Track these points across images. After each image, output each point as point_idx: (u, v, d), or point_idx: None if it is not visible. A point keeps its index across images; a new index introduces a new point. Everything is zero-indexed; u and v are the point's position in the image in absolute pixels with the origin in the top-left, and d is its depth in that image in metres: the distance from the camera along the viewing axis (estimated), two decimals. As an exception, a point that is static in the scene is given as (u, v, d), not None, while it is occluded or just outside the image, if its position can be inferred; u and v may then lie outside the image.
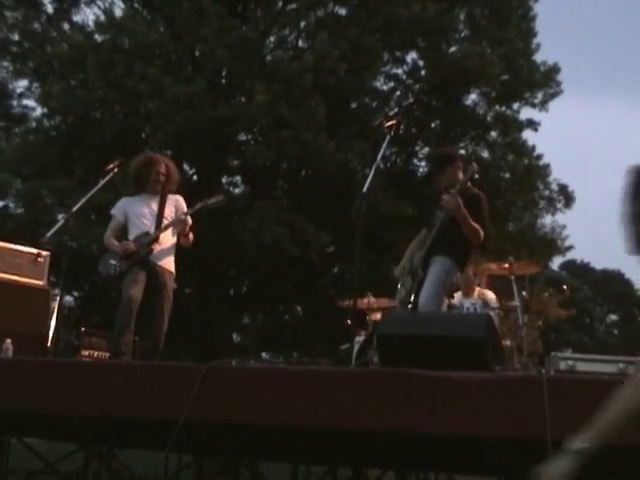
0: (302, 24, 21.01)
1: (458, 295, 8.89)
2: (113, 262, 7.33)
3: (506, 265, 8.66)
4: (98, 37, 20.34)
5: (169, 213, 7.55)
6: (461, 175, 7.07)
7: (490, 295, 9.06)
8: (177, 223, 7.45)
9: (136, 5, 21.12)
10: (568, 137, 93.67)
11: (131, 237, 7.42)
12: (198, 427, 5.49)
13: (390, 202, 17.58)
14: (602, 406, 3.62)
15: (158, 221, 7.45)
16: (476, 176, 6.89)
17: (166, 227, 7.41)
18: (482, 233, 6.81)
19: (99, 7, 21.44)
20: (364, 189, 6.39)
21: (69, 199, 15.19)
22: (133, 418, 5.61)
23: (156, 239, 7.35)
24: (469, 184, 7.02)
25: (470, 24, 21.53)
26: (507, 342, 8.10)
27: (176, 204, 7.62)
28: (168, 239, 7.50)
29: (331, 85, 18.49)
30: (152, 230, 7.41)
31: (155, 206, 7.52)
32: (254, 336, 24.45)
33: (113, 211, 7.66)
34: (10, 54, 20.89)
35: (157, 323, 7.25)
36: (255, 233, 17.20)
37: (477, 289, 9.16)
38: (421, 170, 22.37)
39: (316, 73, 17.95)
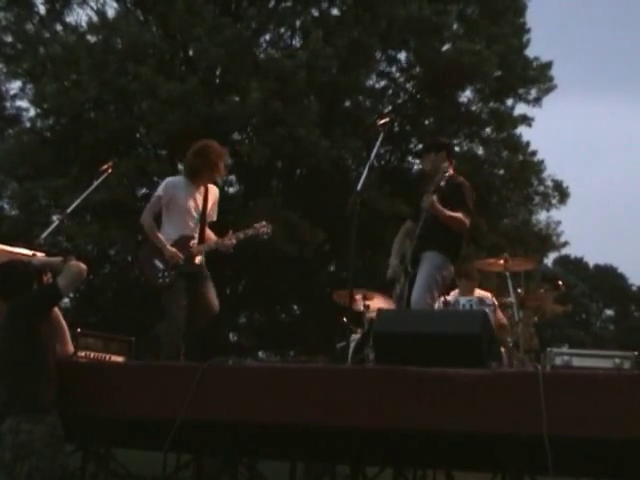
0: (296, 23, 21.02)
1: (454, 292, 8.89)
2: (160, 266, 7.10)
3: (501, 261, 8.65)
4: (91, 37, 20.30)
5: (211, 208, 7.42)
6: (446, 166, 7.08)
7: (487, 294, 9.05)
8: (222, 247, 7.29)
9: (129, 5, 21.10)
10: (563, 133, 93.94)
11: (171, 229, 7.22)
12: (196, 426, 5.50)
13: (385, 200, 17.59)
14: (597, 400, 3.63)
15: (202, 220, 7.30)
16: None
17: (209, 247, 7.27)
18: (466, 220, 6.78)
19: (91, 8, 21.43)
20: (358, 187, 6.41)
21: (64, 199, 15.17)
22: (130, 418, 5.62)
23: (198, 252, 7.21)
24: (453, 172, 7.05)
25: (463, 21, 21.54)
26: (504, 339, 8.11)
27: (214, 200, 7.48)
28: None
29: (325, 83, 18.49)
30: (196, 231, 7.26)
31: (200, 201, 7.34)
32: (251, 335, 24.45)
33: (159, 192, 7.35)
34: (3, 55, 20.84)
35: (209, 312, 7.20)
36: (250, 232, 17.19)
37: (476, 290, 9.15)
38: (415, 167, 22.35)
39: (310, 71, 17.95)
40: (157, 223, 7.35)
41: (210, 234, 7.44)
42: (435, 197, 6.73)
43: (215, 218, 7.54)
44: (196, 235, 7.28)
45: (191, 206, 7.30)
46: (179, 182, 7.43)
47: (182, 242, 7.18)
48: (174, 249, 7.09)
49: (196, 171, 7.34)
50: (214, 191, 7.51)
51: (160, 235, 7.20)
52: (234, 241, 7.24)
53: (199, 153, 7.34)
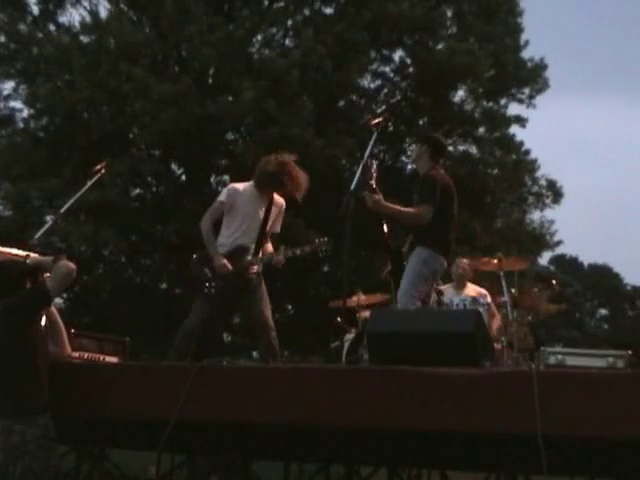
0: (289, 22, 21.05)
1: (448, 291, 8.89)
2: (209, 275, 6.99)
3: (495, 261, 8.66)
4: (84, 38, 20.32)
5: (274, 220, 7.22)
6: (429, 162, 6.99)
7: (482, 290, 9.06)
8: (273, 263, 7.03)
9: (121, 5, 21.08)
10: (557, 133, 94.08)
11: (228, 236, 7.07)
12: (190, 426, 5.49)
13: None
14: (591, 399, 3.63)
15: (261, 231, 7.11)
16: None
17: (262, 261, 7.03)
18: (424, 214, 6.63)
19: (85, 8, 21.43)
20: (351, 187, 6.39)
21: (58, 200, 15.17)
22: (125, 418, 5.61)
23: (251, 265, 7.00)
24: (433, 167, 6.96)
25: (457, 21, 21.57)
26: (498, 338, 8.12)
27: (279, 212, 7.26)
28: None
29: (318, 82, 18.50)
30: (252, 243, 7.05)
31: (262, 211, 7.12)
32: (245, 335, 24.43)
33: (221, 198, 7.15)
34: (-4, 56, 20.83)
35: (265, 331, 7.02)
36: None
37: (469, 284, 9.15)
38: (409, 167, 22.38)
39: (303, 70, 17.97)
40: (217, 228, 7.18)
41: (268, 246, 7.23)
42: (379, 197, 6.67)
43: (278, 230, 7.33)
44: (253, 246, 7.08)
45: (252, 215, 7.10)
46: (243, 189, 7.21)
47: (237, 252, 7.02)
48: (223, 260, 6.92)
49: (263, 184, 7.12)
50: (280, 202, 7.27)
51: (214, 243, 7.06)
52: (282, 257, 6.99)
53: (269, 167, 7.12)
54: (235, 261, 6.97)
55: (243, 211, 7.09)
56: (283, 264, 7.05)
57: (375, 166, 6.82)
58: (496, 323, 8.64)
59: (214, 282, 6.99)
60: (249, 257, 7.02)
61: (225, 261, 6.93)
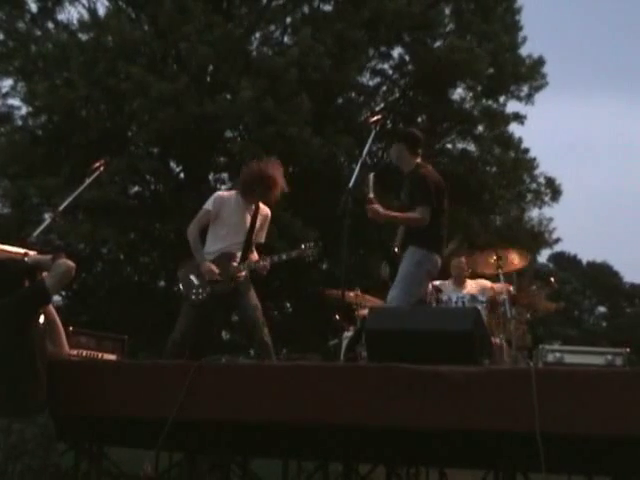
0: (287, 20, 21.04)
1: (447, 288, 8.86)
2: (196, 282, 7.01)
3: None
4: (82, 36, 20.31)
5: (259, 228, 7.26)
6: (410, 158, 6.96)
7: (485, 283, 9.00)
8: (258, 269, 7.09)
9: (120, 3, 21.07)
10: (557, 131, 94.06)
11: (214, 244, 7.12)
12: (188, 425, 5.49)
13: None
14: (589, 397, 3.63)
15: (247, 239, 7.14)
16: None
17: (249, 267, 7.05)
18: (422, 216, 6.58)
19: (83, 6, 21.42)
20: (349, 185, 6.39)
21: (56, 198, 15.15)
22: (124, 416, 5.61)
23: (236, 272, 7.00)
24: (418, 164, 6.92)
25: (456, 18, 21.56)
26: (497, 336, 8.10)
27: (264, 221, 7.30)
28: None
29: (316, 80, 18.48)
30: (239, 250, 7.08)
31: (248, 219, 7.16)
32: (243, 333, 24.43)
33: (207, 206, 7.18)
34: (-6, 53, 20.81)
35: (256, 330, 7.02)
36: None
37: (468, 280, 9.11)
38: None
39: (301, 68, 17.96)
40: (203, 235, 7.22)
41: (254, 255, 7.26)
42: (378, 206, 6.65)
43: (263, 240, 7.37)
44: (239, 254, 7.11)
45: (238, 223, 7.14)
46: (229, 198, 7.26)
47: (223, 259, 7.05)
48: (211, 265, 6.96)
49: (250, 191, 7.15)
50: (265, 212, 7.30)
51: (201, 250, 7.09)
52: (267, 263, 7.07)
53: (256, 175, 7.14)
54: (221, 267, 6.99)
55: (229, 220, 7.14)
56: (268, 270, 7.10)
57: (372, 177, 6.79)
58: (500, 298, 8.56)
59: (202, 289, 6.99)
60: (235, 263, 7.04)
61: (212, 266, 6.96)
